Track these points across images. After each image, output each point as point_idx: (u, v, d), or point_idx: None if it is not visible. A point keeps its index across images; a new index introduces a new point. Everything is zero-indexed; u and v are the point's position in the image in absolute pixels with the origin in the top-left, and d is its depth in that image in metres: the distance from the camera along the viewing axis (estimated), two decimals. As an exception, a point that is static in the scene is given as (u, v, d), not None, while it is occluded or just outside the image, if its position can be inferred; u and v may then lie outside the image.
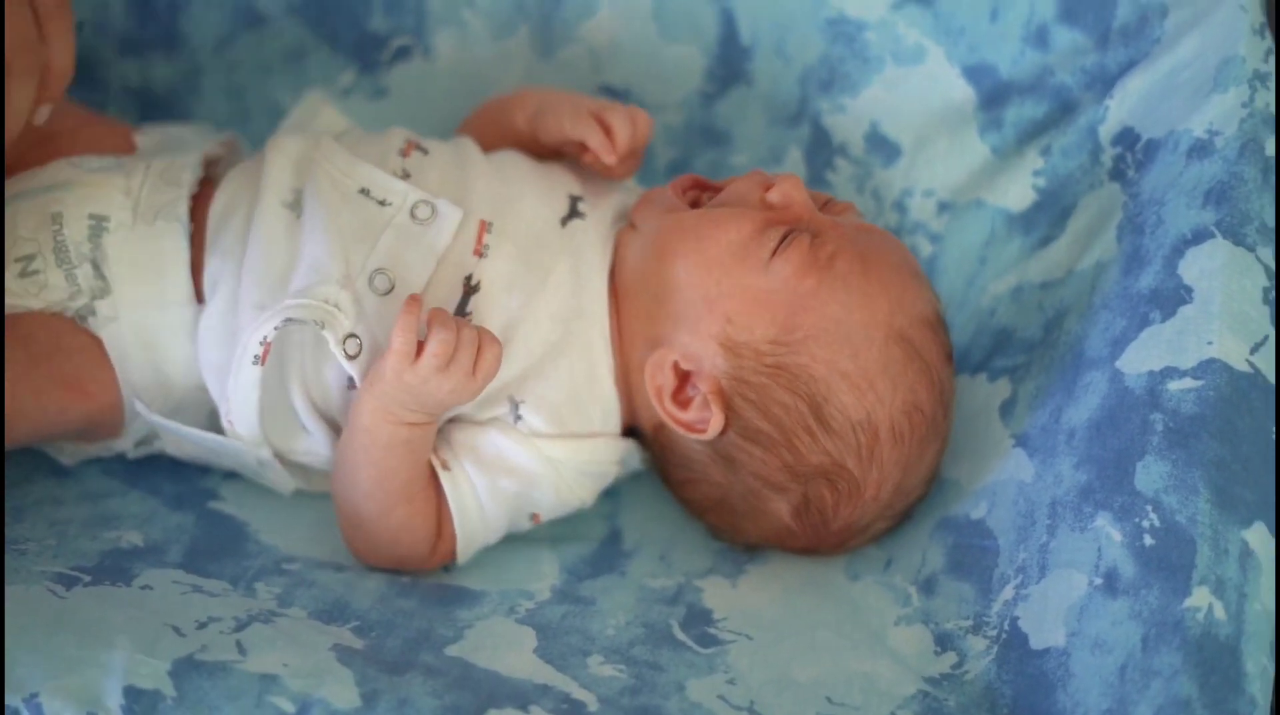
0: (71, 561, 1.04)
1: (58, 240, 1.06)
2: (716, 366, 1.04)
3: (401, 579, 1.09)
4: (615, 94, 1.21)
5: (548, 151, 1.14)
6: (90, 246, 1.06)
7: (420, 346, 0.99)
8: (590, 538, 1.14)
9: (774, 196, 1.05)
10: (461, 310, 1.05)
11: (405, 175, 1.08)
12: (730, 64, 1.19)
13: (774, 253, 1.02)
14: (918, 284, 1.06)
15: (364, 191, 1.06)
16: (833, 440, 1.03)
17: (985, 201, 1.14)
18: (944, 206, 1.16)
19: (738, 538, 1.12)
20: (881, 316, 1.02)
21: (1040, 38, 1.12)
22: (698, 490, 1.10)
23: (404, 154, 1.09)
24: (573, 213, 1.09)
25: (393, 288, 1.04)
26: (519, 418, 1.06)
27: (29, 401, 1.05)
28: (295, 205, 1.06)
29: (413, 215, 1.06)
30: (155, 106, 1.25)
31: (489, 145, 1.14)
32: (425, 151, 1.10)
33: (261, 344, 1.02)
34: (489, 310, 1.05)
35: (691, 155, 1.22)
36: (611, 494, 1.15)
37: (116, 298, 1.06)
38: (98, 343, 1.07)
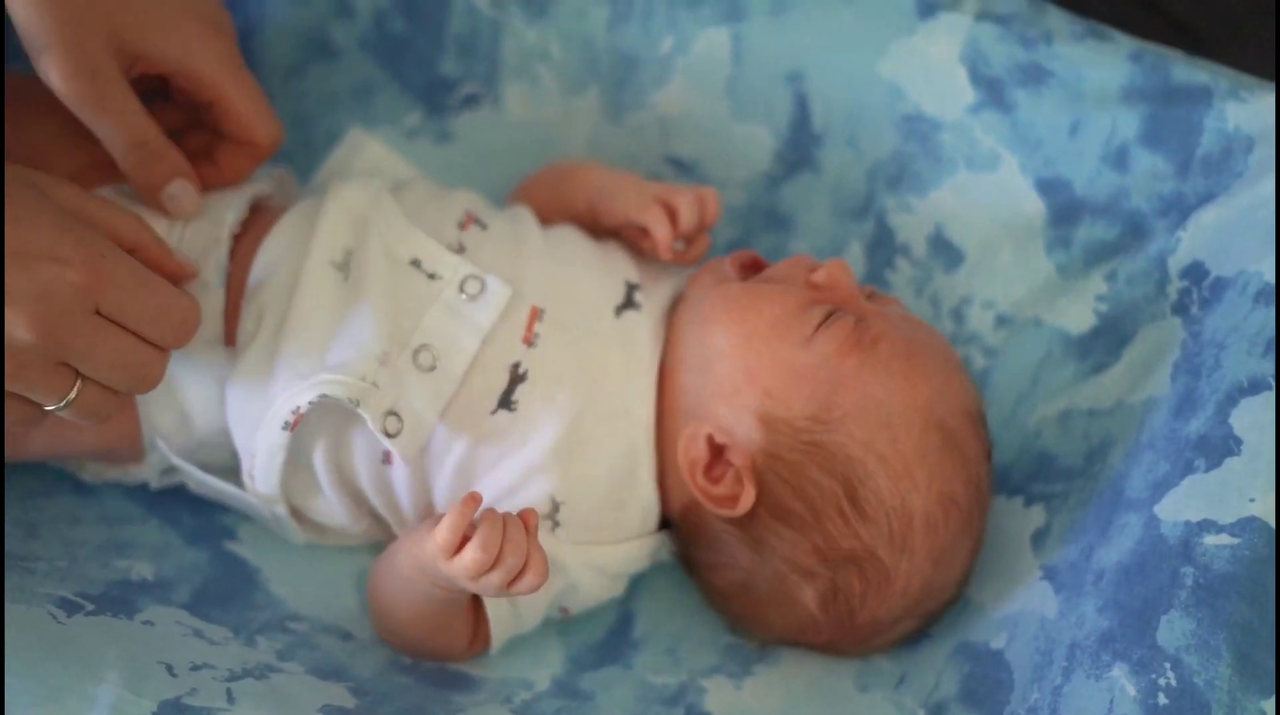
0: (78, 587, 1.04)
1: None
2: (752, 440, 1.01)
3: (403, 660, 1.08)
4: (682, 166, 1.19)
5: (605, 231, 1.12)
6: None
7: (464, 541, 0.96)
8: (601, 623, 1.12)
9: (819, 277, 1.04)
10: (507, 399, 1.02)
11: (460, 249, 1.06)
12: (800, 149, 1.16)
13: (817, 329, 1.01)
14: (960, 377, 1.04)
15: (415, 263, 1.04)
16: (866, 525, 1.01)
17: (1044, 321, 1.11)
18: (1002, 320, 1.12)
19: (758, 630, 1.09)
20: (922, 402, 1.01)
21: (1119, 159, 1.08)
22: (724, 576, 1.07)
23: (462, 227, 1.07)
24: (628, 302, 1.07)
25: (435, 366, 1.02)
26: (557, 524, 1.03)
27: (50, 425, 1.05)
28: (344, 267, 1.04)
29: (461, 289, 1.04)
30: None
31: (546, 214, 1.13)
32: (484, 227, 1.08)
33: (294, 412, 1.01)
34: (534, 402, 1.03)
35: (752, 237, 1.19)
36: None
37: None
38: None
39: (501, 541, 0.95)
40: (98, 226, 0.93)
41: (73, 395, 0.92)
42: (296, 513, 1.09)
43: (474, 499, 0.97)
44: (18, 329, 0.87)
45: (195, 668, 0.99)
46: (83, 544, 1.09)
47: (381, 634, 1.08)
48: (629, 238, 1.11)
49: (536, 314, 1.04)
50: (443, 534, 0.96)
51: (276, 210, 1.09)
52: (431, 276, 1.04)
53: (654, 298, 1.07)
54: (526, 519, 0.97)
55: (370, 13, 1.21)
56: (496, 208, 1.12)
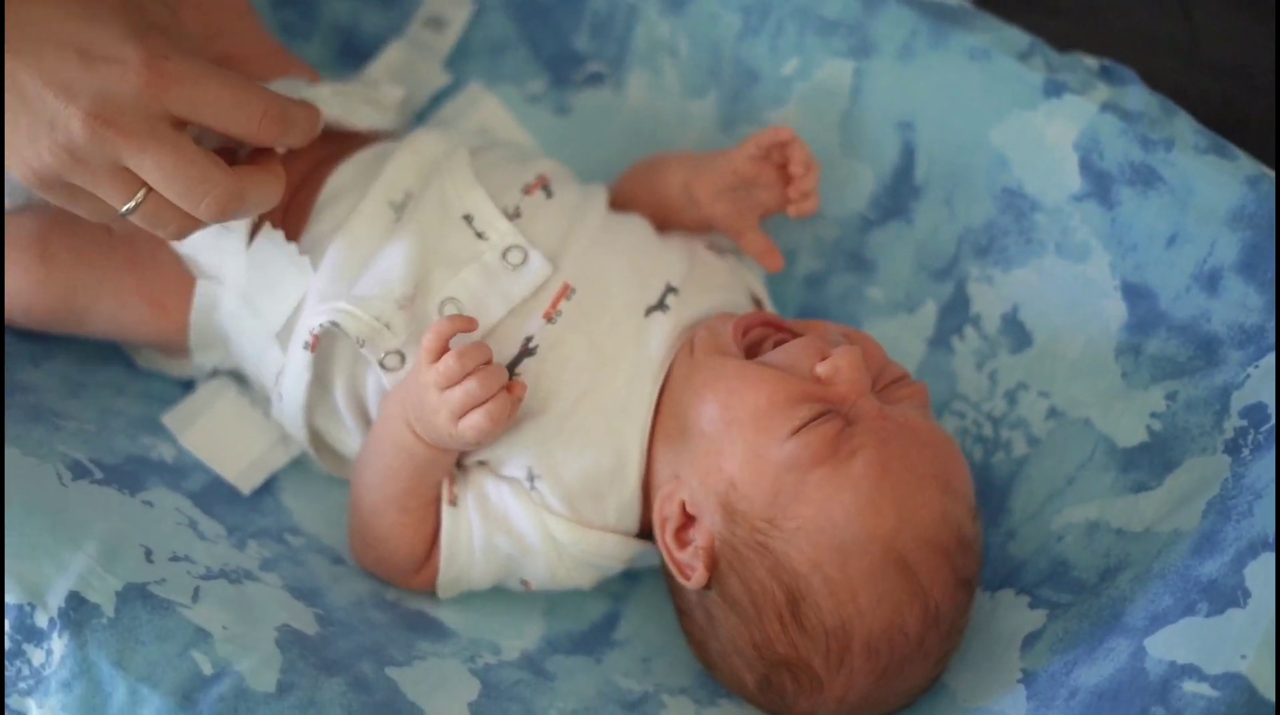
0: (96, 453, 1.07)
1: None
2: (714, 523, 0.99)
3: (386, 594, 1.09)
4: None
5: (696, 219, 1.11)
6: None
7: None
8: (586, 615, 1.12)
9: (823, 369, 0.98)
10: (511, 369, 1.03)
11: (515, 214, 1.06)
12: (898, 197, 1.14)
13: (797, 430, 0.96)
14: (944, 501, 0.97)
15: (467, 218, 1.05)
16: (803, 637, 0.98)
17: (1095, 424, 1.07)
18: (1054, 412, 1.09)
19: (713, 675, 1.08)
20: (883, 531, 0.95)
21: (1211, 281, 1.04)
22: (685, 622, 1.07)
23: (527, 191, 1.08)
24: (660, 304, 1.05)
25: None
26: (533, 487, 1.04)
27: (110, 302, 1.09)
28: (400, 208, 1.06)
29: (504, 257, 1.04)
30: (354, 51, 1.26)
31: (638, 200, 1.13)
32: (550, 194, 1.08)
33: (311, 333, 1.03)
34: (536, 377, 1.03)
35: (831, 272, 1.18)
36: (629, 577, 1.13)
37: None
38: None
39: (479, 369, 0.97)
40: (180, 39, 0.93)
41: (135, 201, 0.93)
42: (317, 441, 1.11)
43: (468, 320, 0.99)
44: (73, 122, 0.89)
45: (174, 558, 1.01)
46: (118, 414, 1.13)
47: (349, 521, 1.09)
48: (722, 225, 1.10)
49: (566, 291, 1.04)
50: (426, 338, 0.98)
51: (364, 139, 1.11)
52: (479, 235, 1.05)
53: (688, 306, 1.06)
54: (513, 386, 0.99)
55: (524, -31, 1.22)
56: (578, 182, 1.12)
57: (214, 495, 1.10)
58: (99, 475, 1.06)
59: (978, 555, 1.00)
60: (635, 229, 1.10)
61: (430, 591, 1.09)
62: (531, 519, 1.04)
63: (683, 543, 1.01)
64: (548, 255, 1.05)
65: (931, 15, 1.12)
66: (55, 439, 1.07)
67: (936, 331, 1.14)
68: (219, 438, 1.12)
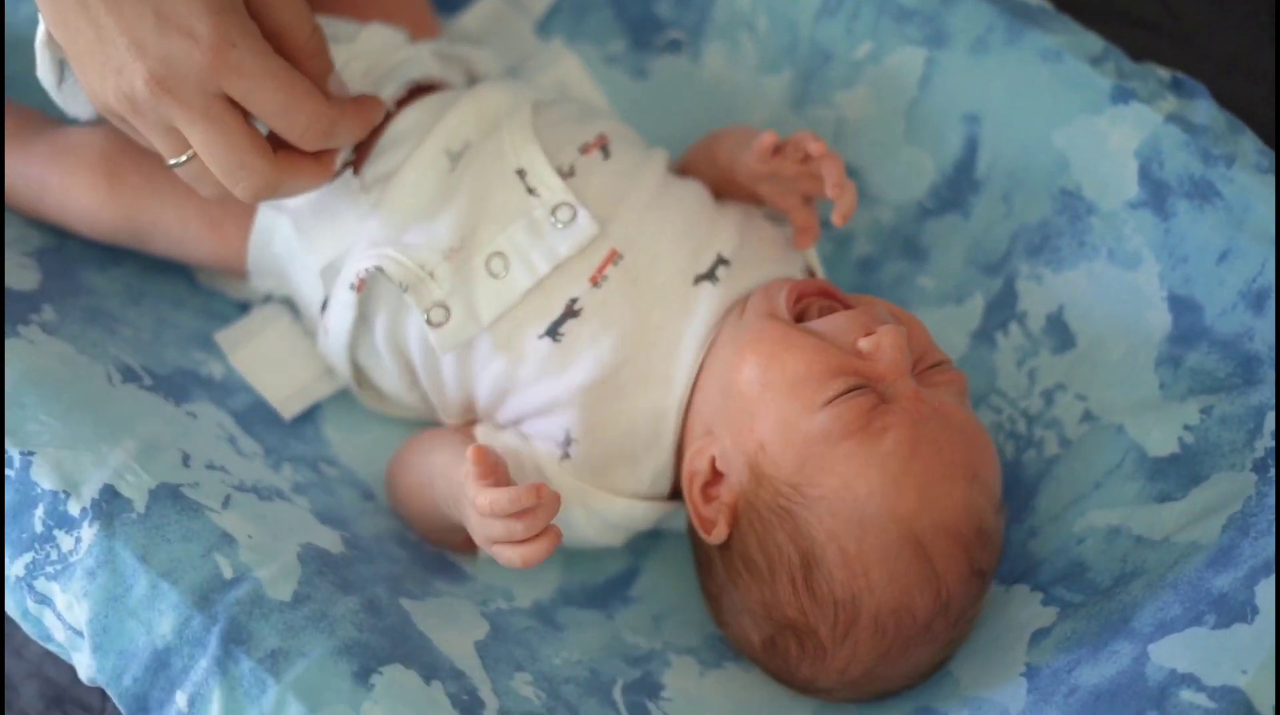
0: (148, 361, 1.11)
1: None
2: (741, 482, 1.00)
3: (409, 534, 1.11)
4: (846, 169, 1.18)
5: (744, 193, 1.12)
6: None
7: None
8: (604, 569, 1.14)
9: (864, 344, 0.98)
10: (554, 329, 1.04)
11: (570, 173, 1.07)
12: (956, 189, 1.15)
13: (831, 400, 0.97)
14: (968, 491, 0.97)
15: (520, 173, 1.07)
16: (813, 604, 0.99)
17: (1128, 431, 1.07)
18: (1088, 416, 1.09)
19: (724, 632, 1.10)
20: (904, 511, 0.96)
21: (1258, 300, 1.04)
22: (703, 576, 1.08)
23: (584, 150, 1.08)
24: (709, 274, 1.06)
25: (504, 275, 1.05)
26: (567, 454, 1.05)
27: (172, 223, 1.12)
28: (457, 158, 1.08)
29: (553, 213, 1.05)
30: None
31: (698, 169, 1.14)
32: (607, 155, 1.09)
33: (357, 276, 1.06)
34: (578, 342, 1.04)
35: (884, 258, 1.18)
36: (651, 535, 1.14)
37: None
38: None
39: (529, 511, 0.93)
40: (260, 18, 0.97)
41: (181, 160, 0.98)
42: (360, 377, 1.13)
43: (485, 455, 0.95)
44: (136, 78, 0.93)
45: (210, 466, 1.04)
46: (174, 327, 1.16)
47: (392, 505, 1.12)
48: (767, 197, 1.09)
49: (613, 257, 1.05)
50: (488, 457, 0.94)
51: (439, 88, 1.13)
52: (530, 191, 1.06)
53: (738, 279, 1.06)
54: (550, 531, 0.95)
55: (609, -66, 1.24)
56: (639, 145, 1.13)
57: (256, 416, 1.13)
58: (148, 382, 1.09)
59: (997, 549, 1.01)
60: (691, 196, 1.10)
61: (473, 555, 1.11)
62: (566, 485, 1.05)
63: (709, 498, 1.03)
64: (597, 216, 1.05)
65: (1009, 12, 1.12)
66: (109, 342, 1.10)
67: (982, 325, 1.15)
68: (267, 362, 1.15)
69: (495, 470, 0.94)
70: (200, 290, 1.19)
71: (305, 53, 1.00)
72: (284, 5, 0.98)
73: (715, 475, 1.02)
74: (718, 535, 1.01)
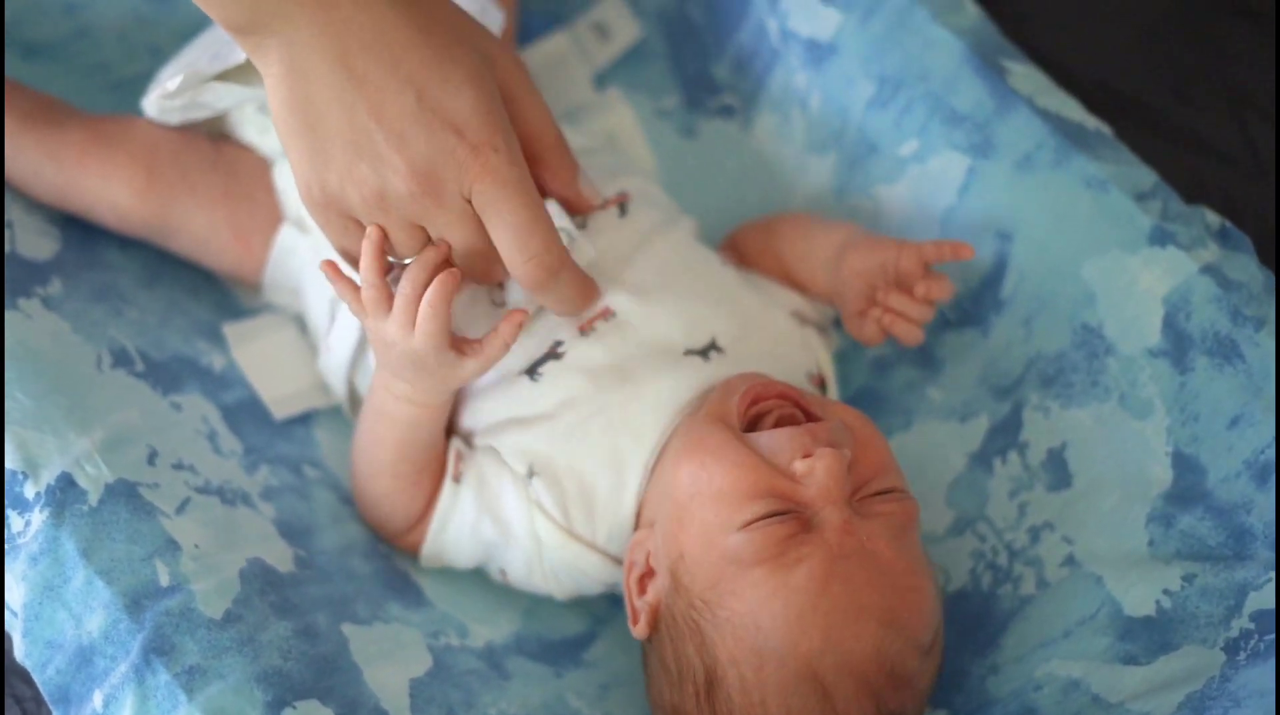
0: (145, 344, 1.11)
1: None
2: (664, 586, 0.98)
3: (380, 546, 1.10)
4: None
5: (818, 282, 1.11)
6: None
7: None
8: (564, 627, 1.12)
9: (799, 466, 0.94)
10: (534, 369, 1.03)
11: (582, 226, 1.05)
12: (980, 304, 1.11)
13: (747, 523, 0.93)
14: (881, 635, 0.92)
15: None
16: None
17: (1107, 584, 1.03)
18: (1071, 561, 1.05)
19: None
20: (806, 649, 0.91)
21: (1263, 473, 1.00)
22: (643, 657, 1.06)
23: (602, 205, 1.06)
24: (701, 352, 1.04)
25: (505, 304, 1.03)
26: (530, 484, 1.04)
27: (200, 226, 1.12)
28: None
29: None
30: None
31: (762, 239, 1.12)
32: (624, 213, 1.07)
33: None
34: (555, 384, 1.03)
35: (898, 363, 1.16)
36: (615, 602, 1.12)
37: None
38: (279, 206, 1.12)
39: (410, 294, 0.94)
40: (520, 124, 0.94)
41: (409, 259, 0.95)
42: (355, 398, 1.13)
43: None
44: (396, 177, 0.89)
45: (178, 466, 1.04)
46: (184, 313, 1.16)
47: (351, 479, 1.10)
48: (844, 298, 1.08)
49: (606, 314, 1.04)
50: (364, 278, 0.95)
51: None
52: None
53: (729, 366, 1.04)
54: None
55: (681, -11, 1.22)
56: (665, 210, 1.11)
57: (246, 413, 1.12)
58: (140, 367, 1.09)
59: (917, 692, 0.96)
60: (705, 272, 1.08)
61: (415, 554, 1.10)
62: (522, 512, 1.04)
63: (643, 590, 1.00)
64: (600, 275, 1.04)
65: (1061, 133, 1.08)
66: (112, 322, 1.10)
67: (982, 448, 1.11)
68: (270, 362, 1.14)
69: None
70: (217, 284, 1.19)
71: (554, 153, 0.98)
72: (533, 107, 0.97)
73: (649, 570, 1.00)
74: (638, 632, 0.99)
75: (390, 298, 0.96)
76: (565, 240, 1.01)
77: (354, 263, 0.96)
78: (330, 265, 0.97)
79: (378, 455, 1.06)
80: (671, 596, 0.97)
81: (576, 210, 1.02)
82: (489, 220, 0.92)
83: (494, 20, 1.08)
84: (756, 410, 0.99)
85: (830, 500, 0.93)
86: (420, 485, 1.06)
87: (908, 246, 1.06)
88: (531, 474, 1.03)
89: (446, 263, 0.95)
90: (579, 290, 0.99)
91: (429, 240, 0.93)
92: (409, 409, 1.02)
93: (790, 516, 0.93)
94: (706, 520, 0.95)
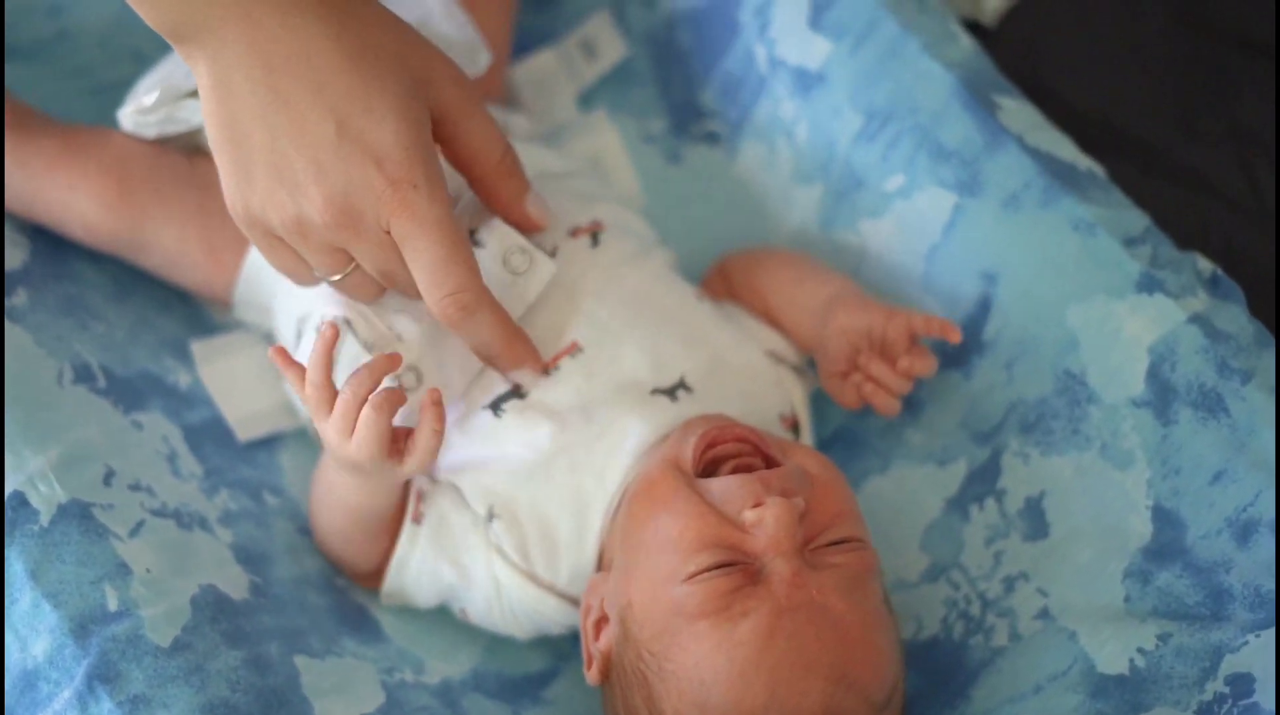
0: (110, 360, 1.09)
1: None
2: (614, 634, 0.96)
3: (337, 580, 1.08)
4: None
5: (804, 331, 1.08)
6: None
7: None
8: (524, 664, 1.09)
9: (748, 516, 0.91)
10: (498, 405, 1.01)
11: (552, 254, 1.02)
12: (962, 348, 1.08)
13: (693, 575, 0.90)
14: (829, 692, 0.88)
15: (472, 232, 1.02)
16: None
17: (1080, 639, 0.99)
18: (1044, 614, 1.02)
19: None
20: (749, 706, 0.88)
21: (1244, 532, 0.97)
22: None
23: (573, 233, 1.04)
24: (669, 391, 1.01)
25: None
26: (490, 526, 1.01)
27: (171, 242, 1.10)
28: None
29: (504, 262, 1.00)
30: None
31: (747, 271, 1.10)
32: (596, 243, 1.04)
33: (324, 321, 1.01)
34: (518, 423, 1.00)
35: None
36: (579, 640, 1.10)
37: None
38: None
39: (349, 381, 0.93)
40: (450, 143, 0.93)
41: (342, 275, 0.93)
42: None
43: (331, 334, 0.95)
44: (312, 206, 0.88)
45: (134, 487, 1.02)
46: (153, 329, 1.14)
47: (311, 525, 1.08)
48: (827, 352, 1.06)
49: (573, 349, 1.01)
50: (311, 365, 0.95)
51: None
52: (478, 243, 1.00)
53: (697, 406, 1.01)
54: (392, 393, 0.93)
55: (667, 13, 1.20)
56: (640, 240, 1.09)
57: (209, 433, 1.10)
58: (101, 384, 1.07)
59: None
60: (678, 307, 1.05)
61: (377, 591, 1.08)
62: (481, 555, 1.02)
63: (598, 635, 0.98)
64: (568, 308, 1.01)
65: (1050, 173, 1.05)
66: (76, 338, 1.08)
67: (959, 493, 1.08)
68: (236, 381, 1.12)
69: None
70: (189, 299, 1.17)
71: (498, 174, 0.96)
72: (475, 129, 0.94)
73: (604, 615, 0.97)
74: (591, 679, 0.97)
75: (333, 399, 0.94)
76: (522, 258, 0.99)
77: (289, 277, 0.95)
78: (279, 352, 0.96)
79: (334, 520, 1.04)
80: (622, 645, 0.95)
81: (526, 230, 0.99)
82: (406, 255, 0.90)
83: (482, 60, 1.06)
84: (714, 454, 0.97)
85: (779, 551, 0.90)
86: (379, 541, 1.04)
87: (898, 315, 1.03)
88: (492, 516, 1.01)
89: (394, 364, 0.94)
90: (501, 336, 0.96)
91: (352, 260, 0.92)
92: (356, 496, 1.01)
93: (738, 568, 0.90)
94: (653, 570, 0.92)
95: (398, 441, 0.96)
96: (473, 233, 1.01)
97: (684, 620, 0.90)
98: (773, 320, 1.10)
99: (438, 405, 0.95)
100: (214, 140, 0.89)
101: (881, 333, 1.03)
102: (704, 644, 0.90)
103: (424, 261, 0.90)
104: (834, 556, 0.92)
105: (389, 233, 0.89)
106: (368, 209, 0.87)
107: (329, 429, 0.95)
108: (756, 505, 0.91)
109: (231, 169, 0.90)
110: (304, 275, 0.96)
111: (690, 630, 0.90)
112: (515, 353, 0.98)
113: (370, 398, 0.93)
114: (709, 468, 0.96)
